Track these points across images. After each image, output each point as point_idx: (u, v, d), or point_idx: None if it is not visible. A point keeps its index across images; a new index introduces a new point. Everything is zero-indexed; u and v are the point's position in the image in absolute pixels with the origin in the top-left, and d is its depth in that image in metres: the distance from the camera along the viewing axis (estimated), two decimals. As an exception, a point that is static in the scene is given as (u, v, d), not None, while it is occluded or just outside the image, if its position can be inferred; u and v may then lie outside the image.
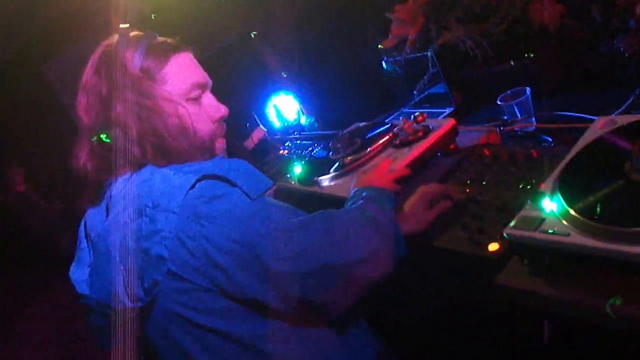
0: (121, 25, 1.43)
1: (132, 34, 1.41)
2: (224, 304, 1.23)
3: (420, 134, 1.85)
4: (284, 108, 3.05)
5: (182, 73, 1.40)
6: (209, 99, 1.46)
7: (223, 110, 1.47)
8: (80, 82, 1.41)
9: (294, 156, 2.42)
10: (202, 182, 1.25)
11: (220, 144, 1.49)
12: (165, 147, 1.35)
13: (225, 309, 1.24)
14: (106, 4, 1.62)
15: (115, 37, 1.40)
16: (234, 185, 1.27)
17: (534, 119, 1.93)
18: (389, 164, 1.75)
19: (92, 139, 1.38)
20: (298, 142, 2.68)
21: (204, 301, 1.23)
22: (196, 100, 1.42)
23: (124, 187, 1.32)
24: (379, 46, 2.52)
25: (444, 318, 1.62)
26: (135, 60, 1.36)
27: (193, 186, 1.24)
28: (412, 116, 1.85)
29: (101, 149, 1.37)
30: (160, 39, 1.43)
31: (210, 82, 1.48)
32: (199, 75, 1.44)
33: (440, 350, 1.68)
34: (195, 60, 1.47)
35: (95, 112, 1.37)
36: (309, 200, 1.97)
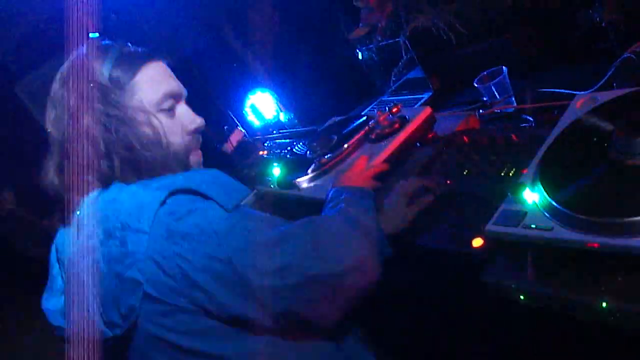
0: (90, 35, 1.37)
1: (102, 42, 1.36)
2: (208, 324, 1.16)
3: (397, 126, 1.78)
4: (262, 106, 2.99)
5: (153, 83, 1.34)
6: (183, 109, 1.40)
7: (198, 121, 1.42)
8: (48, 95, 1.34)
9: (274, 157, 2.36)
10: (173, 197, 1.18)
11: (196, 157, 1.43)
12: (135, 160, 1.29)
13: (209, 329, 1.16)
14: (75, 17, 1.54)
15: (84, 47, 1.34)
16: (208, 198, 1.21)
17: (513, 99, 1.87)
18: (366, 160, 1.68)
19: (60, 154, 1.31)
20: (278, 141, 2.62)
21: (187, 322, 1.16)
22: (170, 111, 1.37)
23: (92, 208, 1.25)
24: (350, 36, 2.45)
25: (433, 316, 1.57)
26: (104, 70, 1.30)
27: (163, 202, 1.17)
28: (387, 108, 1.79)
29: (69, 165, 1.30)
30: (132, 47, 1.37)
31: (184, 92, 1.42)
32: (172, 85, 1.39)
33: (432, 347, 1.63)
34: (168, 69, 1.41)
35: (64, 125, 1.30)
36: (290, 203, 1.91)
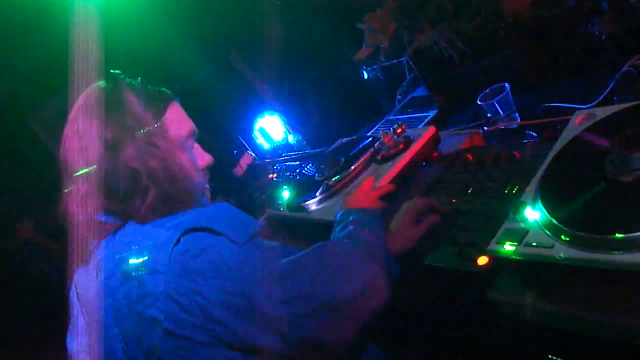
0: (112, 71, 1.40)
1: (127, 79, 1.39)
2: (228, 355, 1.18)
3: (402, 146, 1.80)
4: (271, 129, 3.02)
5: (179, 121, 1.39)
6: (196, 147, 1.45)
7: (207, 158, 1.46)
8: (69, 128, 1.34)
9: (283, 180, 2.38)
10: (187, 236, 1.21)
11: (206, 192, 1.47)
12: (172, 191, 1.32)
13: (229, 359, 1.19)
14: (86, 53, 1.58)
15: (102, 83, 1.36)
16: (219, 234, 1.23)
17: (517, 115, 1.88)
18: (372, 181, 1.70)
19: (80, 186, 1.31)
20: (287, 163, 2.64)
21: (208, 355, 1.18)
22: (190, 148, 1.41)
23: (109, 248, 1.28)
24: (354, 58, 2.48)
25: (441, 334, 1.58)
26: (139, 104, 1.33)
27: (177, 242, 1.20)
28: (392, 129, 1.81)
29: (87, 199, 1.32)
30: (153, 87, 1.41)
31: (197, 131, 1.46)
32: (191, 124, 1.43)
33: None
34: (182, 109, 1.45)
35: (97, 156, 1.29)
36: (299, 225, 1.93)
